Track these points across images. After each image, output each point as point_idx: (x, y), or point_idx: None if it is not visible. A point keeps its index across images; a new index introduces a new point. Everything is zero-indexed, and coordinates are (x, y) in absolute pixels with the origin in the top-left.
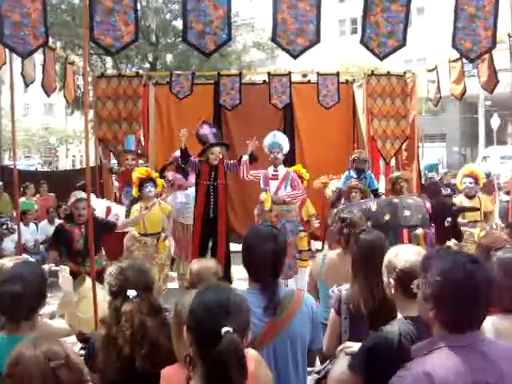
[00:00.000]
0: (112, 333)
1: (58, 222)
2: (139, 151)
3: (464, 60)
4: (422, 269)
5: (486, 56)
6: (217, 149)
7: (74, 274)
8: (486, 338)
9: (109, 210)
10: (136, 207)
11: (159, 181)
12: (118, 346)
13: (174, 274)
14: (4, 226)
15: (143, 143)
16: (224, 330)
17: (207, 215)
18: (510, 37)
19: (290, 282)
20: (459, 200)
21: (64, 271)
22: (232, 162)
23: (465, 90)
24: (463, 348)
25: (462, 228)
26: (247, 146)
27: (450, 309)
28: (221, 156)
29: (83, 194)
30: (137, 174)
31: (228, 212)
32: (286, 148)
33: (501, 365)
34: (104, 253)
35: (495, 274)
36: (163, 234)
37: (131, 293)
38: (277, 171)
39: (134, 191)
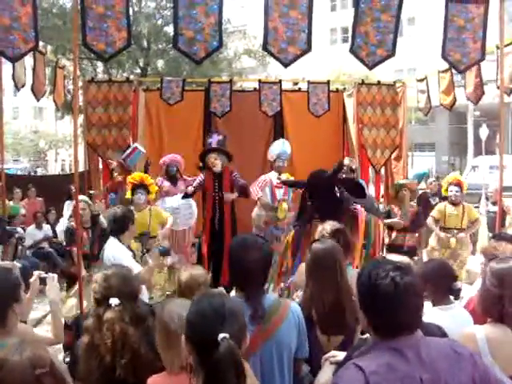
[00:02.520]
0: (94, 341)
1: (46, 226)
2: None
3: (453, 70)
4: (358, 277)
5: (474, 67)
6: (212, 155)
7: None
8: (424, 338)
9: None
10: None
11: (153, 187)
12: (100, 354)
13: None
14: (17, 235)
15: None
16: (220, 336)
17: (213, 228)
18: (498, 48)
19: None
20: (442, 207)
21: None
22: (241, 182)
23: (455, 101)
24: (396, 349)
25: (442, 233)
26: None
27: (377, 315)
28: (218, 162)
29: (83, 197)
30: (131, 179)
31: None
32: (288, 156)
33: (436, 362)
34: None
35: (488, 283)
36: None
37: (113, 301)
38: (280, 179)
39: (128, 194)
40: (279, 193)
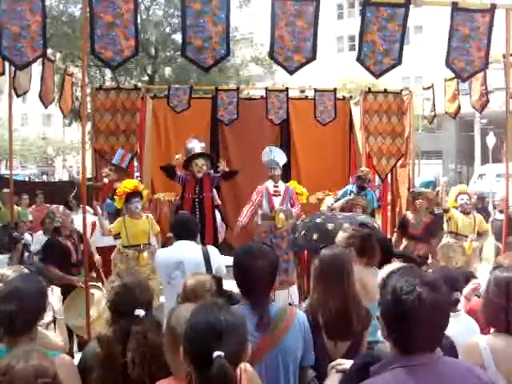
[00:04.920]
0: (112, 352)
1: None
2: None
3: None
4: (381, 285)
5: (480, 75)
6: (200, 160)
7: (71, 287)
8: (443, 357)
9: (94, 225)
10: (119, 219)
11: (144, 193)
12: (120, 365)
13: None
14: (22, 241)
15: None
16: (215, 354)
17: None
18: (504, 57)
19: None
20: (455, 212)
21: (55, 290)
22: (215, 174)
23: (459, 109)
24: (416, 367)
25: (453, 240)
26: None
27: (399, 329)
28: (205, 168)
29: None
30: (123, 188)
31: (218, 226)
32: (283, 162)
33: (455, 382)
34: None
35: (491, 292)
36: (142, 246)
37: (140, 312)
38: (277, 186)
39: (117, 202)
40: (277, 201)
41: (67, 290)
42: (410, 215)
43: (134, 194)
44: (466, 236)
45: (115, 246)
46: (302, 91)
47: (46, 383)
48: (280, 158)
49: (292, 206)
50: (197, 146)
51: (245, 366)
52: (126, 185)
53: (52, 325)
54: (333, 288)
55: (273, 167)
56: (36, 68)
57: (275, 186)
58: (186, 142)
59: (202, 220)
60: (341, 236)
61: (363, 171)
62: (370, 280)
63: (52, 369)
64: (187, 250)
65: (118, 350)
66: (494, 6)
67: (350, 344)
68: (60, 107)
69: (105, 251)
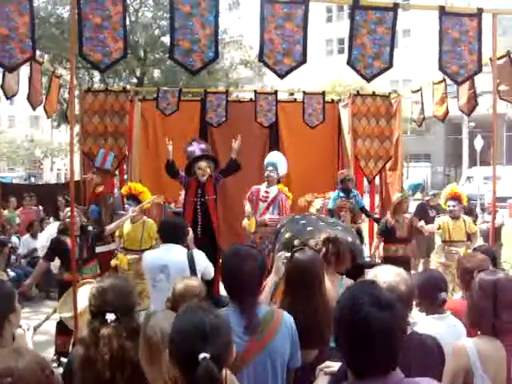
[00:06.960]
0: (90, 353)
1: (40, 235)
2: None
3: (448, 82)
4: (336, 302)
5: None
6: (203, 163)
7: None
8: (402, 380)
9: None
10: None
11: (143, 196)
12: (97, 368)
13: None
14: (10, 245)
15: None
16: (201, 356)
17: (195, 234)
18: (491, 61)
19: None
20: (444, 221)
21: (31, 330)
22: (216, 174)
23: (447, 112)
24: None
25: (449, 247)
26: (232, 147)
27: (347, 351)
28: (208, 171)
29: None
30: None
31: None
32: (282, 169)
33: None
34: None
35: (475, 295)
36: (132, 251)
37: (110, 316)
38: (268, 192)
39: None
40: (260, 207)
41: (68, 286)
42: (391, 220)
43: (128, 196)
44: (460, 241)
45: (110, 251)
46: (291, 94)
47: (51, 372)
48: (279, 161)
49: (279, 214)
50: (197, 148)
51: (226, 371)
52: (125, 188)
53: None
54: (304, 297)
55: (268, 168)
56: (24, 70)
57: (266, 192)
58: (185, 145)
59: (204, 224)
60: (311, 241)
61: (343, 173)
62: (331, 293)
63: (46, 361)
64: (172, 254)
65: (93, 351)
66: (480, 10)
67: (318, 351)
68: (44, 108)
69: (105, 256)
